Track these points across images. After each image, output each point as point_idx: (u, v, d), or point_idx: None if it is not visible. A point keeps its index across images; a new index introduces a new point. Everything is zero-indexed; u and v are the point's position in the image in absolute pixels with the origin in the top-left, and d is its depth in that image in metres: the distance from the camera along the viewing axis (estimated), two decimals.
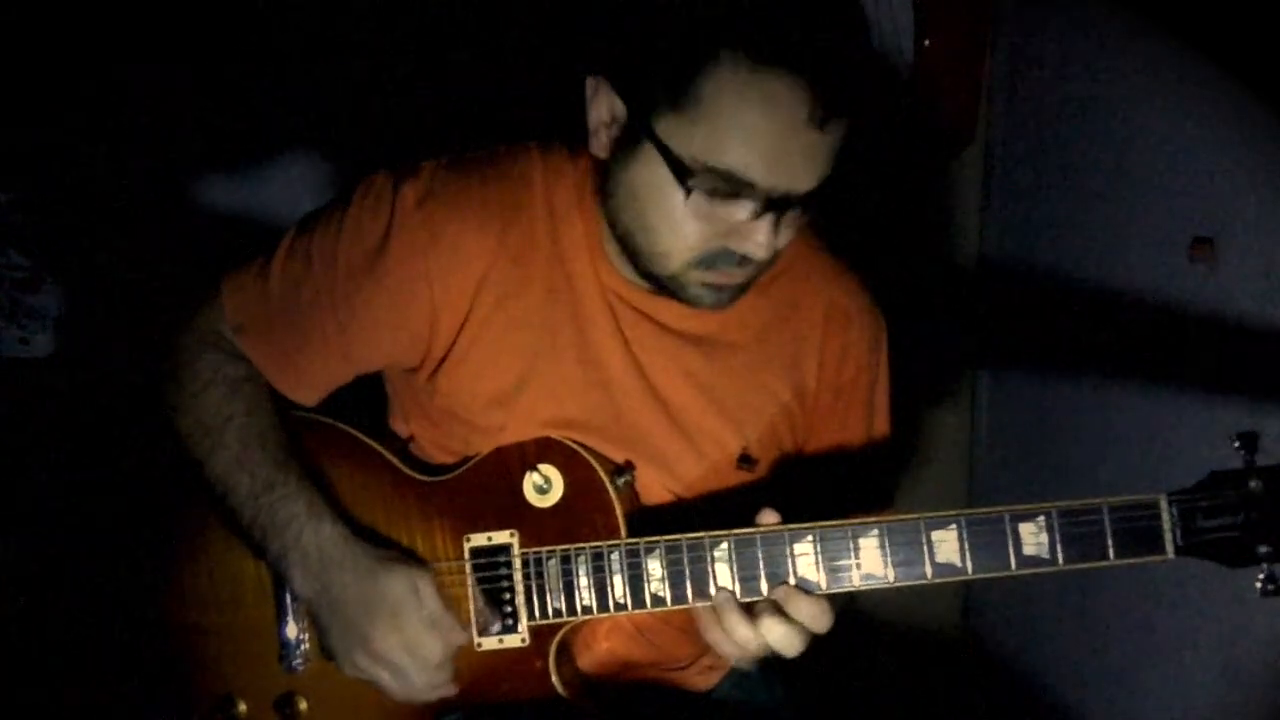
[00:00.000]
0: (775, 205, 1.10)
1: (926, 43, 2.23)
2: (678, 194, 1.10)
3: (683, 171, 1.09)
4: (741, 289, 1.20)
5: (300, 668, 1.28)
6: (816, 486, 1.37)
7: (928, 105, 2.29)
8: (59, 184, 1.95)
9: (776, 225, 1.12)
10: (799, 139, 1.06)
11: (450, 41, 2.11)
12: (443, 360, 1.26)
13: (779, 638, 1.12)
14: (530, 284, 1.24)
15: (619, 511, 1.21)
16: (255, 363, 1.27)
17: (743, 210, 1.10)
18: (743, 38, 1.04)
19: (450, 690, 1.22)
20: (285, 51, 2.05)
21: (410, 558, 1.23)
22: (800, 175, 1.09)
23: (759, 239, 1.11)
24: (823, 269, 1.35)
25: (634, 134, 1.12)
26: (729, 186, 1.08)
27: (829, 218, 1.35)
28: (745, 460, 1.31)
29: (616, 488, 1.22)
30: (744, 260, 1.14)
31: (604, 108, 1.15)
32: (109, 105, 1.97)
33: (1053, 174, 2.19)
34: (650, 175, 1.12)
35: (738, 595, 1.14)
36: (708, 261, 1.15)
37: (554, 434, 1.24)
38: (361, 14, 2.07)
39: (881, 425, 1.40)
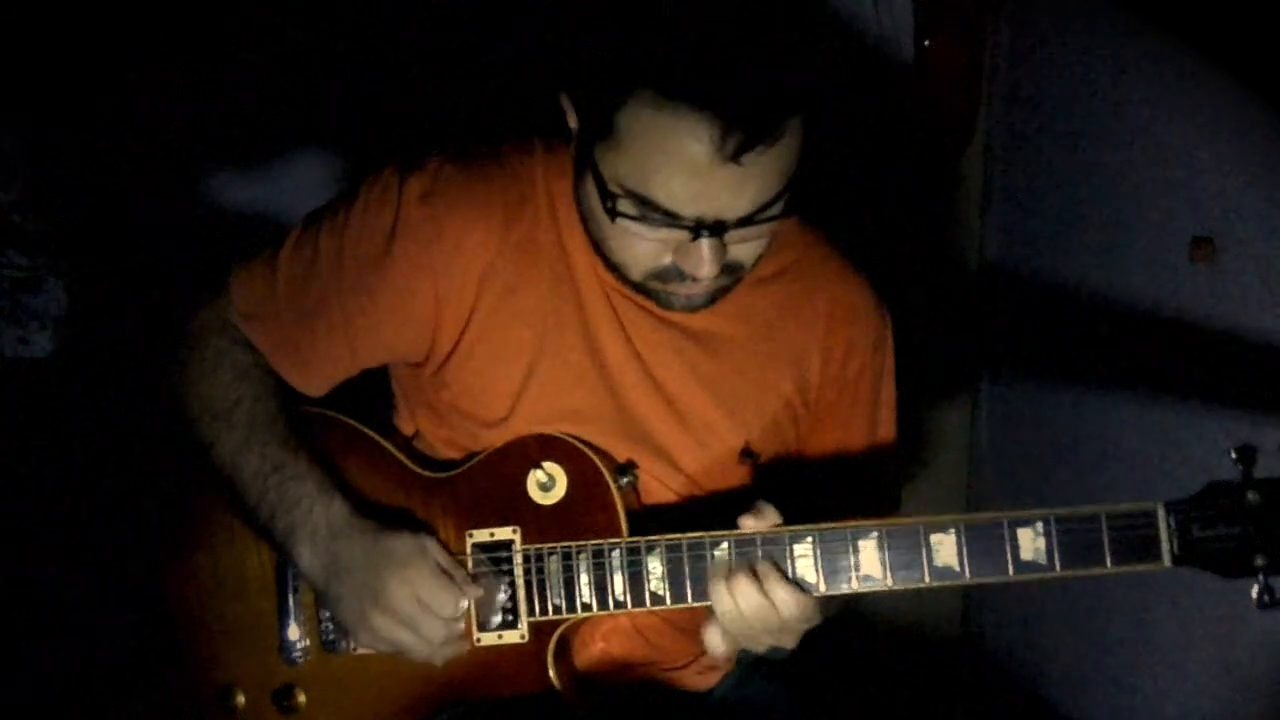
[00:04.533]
0: (709, 229, 1.09)
1: (926, 43, 2.23)
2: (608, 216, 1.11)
3: (607, 196, 1.10)
4: (720, 292, 1.20)
5: (300, 660, 1.28)
6: (819, 483, 1.37)
7: (928, 105, 2.29)
8: (59, 184, 1.94)
9: (722, 244, 1.11)
10: (714, 173, 1.04)
11: (457, 39, 2.11)
12: (449, 354, 1.26)
13: (752, 605, 1.11)
14: (535, 277, 1.25)
15: (621, 510, 1.21)
16: (262, 351, 1.28)
17: (676, 234, 1.10)
18: (650, 76, 1.03)
19: (464, 645, 1.22)
20: (287, 48, 2.05)
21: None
22: (726, 205, 1.08)
23: (701, 259, 1.11)
24: (827, 266, 1.35)
25: (584, 152, 1.14)
26: (654, 213, 1.09)
27: (828, 219, 1.35)
28: (747, 454, 1.31)
29: (619, 487, 1.22)
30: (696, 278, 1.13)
31: (572, 123, 1.17)
32: (110, 104, 1.97)
33: (1053, 174, 2.19)
34: (594, 194, 1.13)
35: None
36: (661, 277, 1.15)
37: (559, 429, 1.24)
38: (369, 10, 2.07)
39: (886, 424, 1.40)
